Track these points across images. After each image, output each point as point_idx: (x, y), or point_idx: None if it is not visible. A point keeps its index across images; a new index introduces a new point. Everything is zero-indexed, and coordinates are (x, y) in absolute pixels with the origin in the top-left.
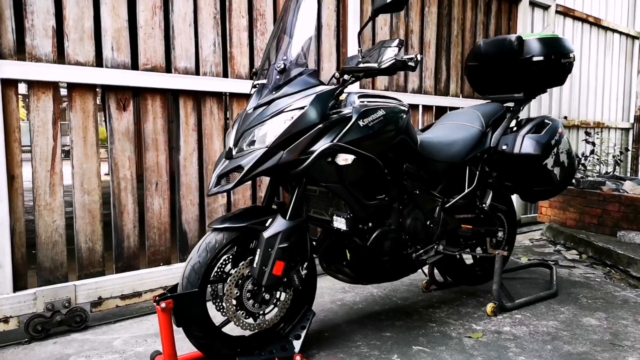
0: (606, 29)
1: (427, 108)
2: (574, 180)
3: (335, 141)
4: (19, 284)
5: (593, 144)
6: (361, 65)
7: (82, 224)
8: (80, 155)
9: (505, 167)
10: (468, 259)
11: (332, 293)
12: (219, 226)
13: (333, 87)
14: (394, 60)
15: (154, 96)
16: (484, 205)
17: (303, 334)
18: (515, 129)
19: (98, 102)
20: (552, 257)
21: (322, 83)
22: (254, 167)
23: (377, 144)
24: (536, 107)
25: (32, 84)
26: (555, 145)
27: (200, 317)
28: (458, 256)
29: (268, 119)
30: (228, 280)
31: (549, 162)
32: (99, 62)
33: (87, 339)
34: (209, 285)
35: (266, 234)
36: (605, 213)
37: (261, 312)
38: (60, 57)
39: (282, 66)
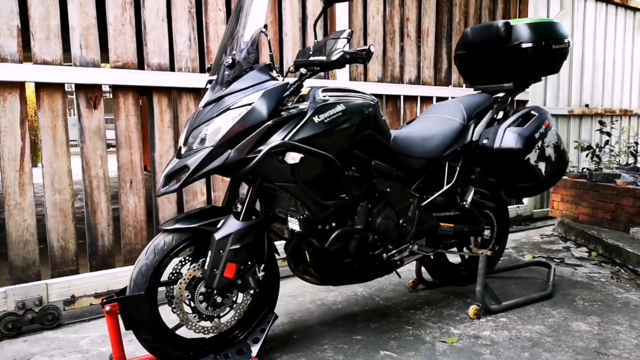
0: (634, 9)
1: (426, 99)
2: (586, 172)
3: (286, 139)
4: None
5: (608, 134)
6: (311, 58)
7: (54, 223)
8: (50, 154)
9: (487, 162)
10: (456, 257)
11: (314, 292)
12: (168, 227)
13: (284, 82)
14: (342, 53)
15: (125, 93)
16: (464, 203)
17: (262, 338)
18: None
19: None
20: (559, 254)
21: (274, 78)
22: (200, 167)
23: (335, 141)
24: (553, 95)
25: None
26: (540, 139)
27: (149, 320)
28: (434, 256)
29: (216, 117)
30: (178, 283)
31: (532, 156)
32: (68, 60)
33: (56, 337)
34: (165, 288)
35: (217, 235)
36: (619, 208)
37: (216, 315)
38: (29, 56)
39: (231, 61)
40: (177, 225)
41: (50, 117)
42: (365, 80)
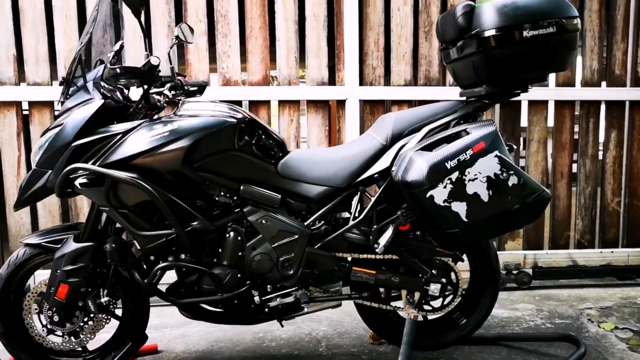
0: None
1: None
2: None
3: (100, 161)
4: None
5: None
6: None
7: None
8: None
9: (399, 196)
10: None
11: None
12: (24, 241)
13: (100, 102)
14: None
15: None
16: (377, 245)
17: None
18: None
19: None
20: None
21: (106, 97)
22: (26, 189)
23: (163, 163)
24: None
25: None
26: (456, 170)
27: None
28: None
29: (41, 136)
30: (26, 296)
31: (439, 194)
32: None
33: None
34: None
35: (56, 254)
36: None
37: (66, 333)
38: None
39: (62, 79)
40: (30, 240)
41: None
42: (388, 84)
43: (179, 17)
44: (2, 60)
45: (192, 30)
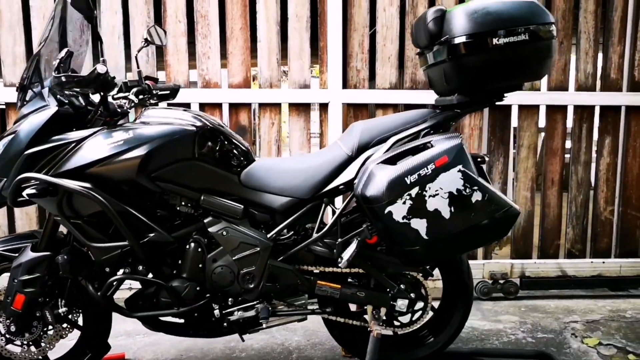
0: None
1: None
2: None
3: (50, 170)
4: None
5: None
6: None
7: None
8: None
9: (361, 209)
10: None
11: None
12: None
13: (53, 109)
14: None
15: None
16: (340, 259)
17: None
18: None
19: None
20: None
21: (62, 103)
22: None
23: (116, 172)
24: None
25: None
26: (416, 185)
27: None
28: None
29: None
30: None
31: (397, 210)
32: None
33: None
34: None
35: (14, 263)
36: None
37: (25, 343)
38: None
39: (19, 85)
40: None
41: None
42: (373, 87)
43: (159, 18)
44: None
45: (165, 32)
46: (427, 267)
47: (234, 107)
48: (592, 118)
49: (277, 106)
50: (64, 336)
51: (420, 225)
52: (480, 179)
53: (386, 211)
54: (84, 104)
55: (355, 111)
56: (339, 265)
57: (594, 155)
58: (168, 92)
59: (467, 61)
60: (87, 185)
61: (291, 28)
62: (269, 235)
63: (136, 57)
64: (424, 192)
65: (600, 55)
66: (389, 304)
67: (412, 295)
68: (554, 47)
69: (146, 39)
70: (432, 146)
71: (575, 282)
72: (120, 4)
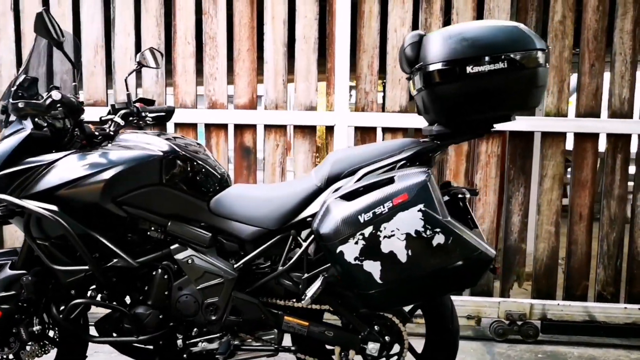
0: None
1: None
2: None
3: (21, 192)
4: None
5: None
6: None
7: None
8: None
9: None
10: None
11: None
12: None
13: (26, 133)
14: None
15: None
16: (304, 297)
17: None
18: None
19: None
20: None
21: (35, 126)
22: None
23: (80, 197)
24: None
25: None
26: (370, 224)
27: None
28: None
29: None
30: None
31: (349, 250)
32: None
33: None
34: None
35: None
36: None
37: (3, 358)
38: None
39: (2, 107)
40: None
41: None
42: (383, 110)
43: (169, 40)
44: (3, 79)
45: (162, 54)
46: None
47: (239, 128)
48: (628, 147)
49: (282, 128)
50: (46, 352)
51: (373, 268)
52: (446, 220)
53: (338, 250)
54: (69, 126)
55: (362, 134)
56: (302, 302)
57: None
58: (163, 114)
59: (442, 90)
60: (53, 208)
61: (298, 49)
62: (236, 266)
63: (125, 81)
64: (379, 232)
65: (638, 78)
66: (359, 347)
67: (387, 338)
68: (542, 75)
69: (139, 62)
70: (394, 181)
71: (605, 329)
72: (134, 26)
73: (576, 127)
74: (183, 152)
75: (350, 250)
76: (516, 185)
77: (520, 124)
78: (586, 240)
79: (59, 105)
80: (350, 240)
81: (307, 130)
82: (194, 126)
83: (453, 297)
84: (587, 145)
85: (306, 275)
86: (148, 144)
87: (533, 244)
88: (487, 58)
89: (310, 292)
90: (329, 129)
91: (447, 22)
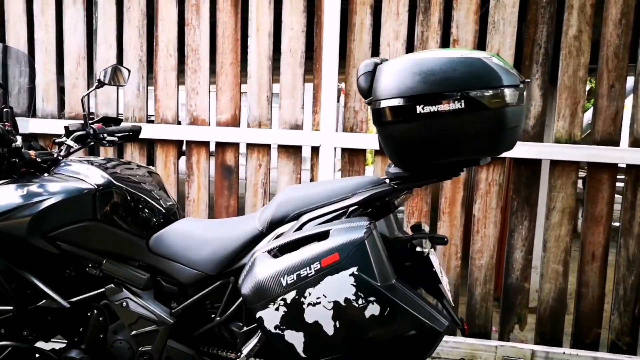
0: None
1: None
2: None
3: None
4: None
5: None
6: None
7: None
8: None
9: None
10: None
11: None
12: None
13: None
14: None
15: None
16: (240, 353)
17: None
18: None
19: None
20: None
21: None
22: None
23: (6, 231)
24: None
25: None
26: (293, 289)
27: None
28: None
29: None
30: None
31: (269, 317)
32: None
33: None
34: None
35: None
36: None
37: None
38: None
39: None
40: None
41: None
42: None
43: (151, 51)
44: None
45: (129, 71)
46: None
47: (221, 146)
48: None
49: (265, 147)
50: None
51: (295, 339)
52: (386, 285)
53: (257, 316)
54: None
55: (350, 156)
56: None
57: None
58: (129, 133)
59: (394, 130)
60: None
61: (284, 63)
62: (174, 311)
63: (82, 100)
64: (302, 299)
65: None
66: None
67: None
68: (512, 116)
69: (99, 80)
70: (328, 236)
71: None
72: (115, 38)
73: (590, 156)
74: (121, 185)
75: (271, 318)
76: (520, 218)
77: (526, 150)
78: (599, 282)
79: (9, 130)
80: (271, 305)
81: (291, 150)
82: (175, 142)
83: (446, 337)
84: (603, 177)
85: (245, 329)
86: (84, 175)
87: (538, 283)
88: (441, 96)
89: (246, 349)
90: (315, 150)
91: (446, 36)
